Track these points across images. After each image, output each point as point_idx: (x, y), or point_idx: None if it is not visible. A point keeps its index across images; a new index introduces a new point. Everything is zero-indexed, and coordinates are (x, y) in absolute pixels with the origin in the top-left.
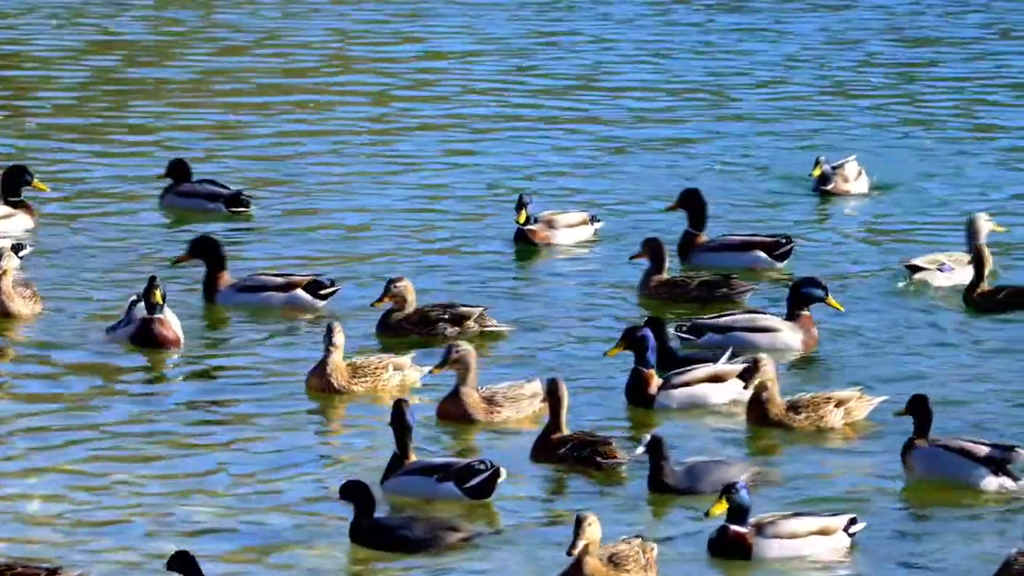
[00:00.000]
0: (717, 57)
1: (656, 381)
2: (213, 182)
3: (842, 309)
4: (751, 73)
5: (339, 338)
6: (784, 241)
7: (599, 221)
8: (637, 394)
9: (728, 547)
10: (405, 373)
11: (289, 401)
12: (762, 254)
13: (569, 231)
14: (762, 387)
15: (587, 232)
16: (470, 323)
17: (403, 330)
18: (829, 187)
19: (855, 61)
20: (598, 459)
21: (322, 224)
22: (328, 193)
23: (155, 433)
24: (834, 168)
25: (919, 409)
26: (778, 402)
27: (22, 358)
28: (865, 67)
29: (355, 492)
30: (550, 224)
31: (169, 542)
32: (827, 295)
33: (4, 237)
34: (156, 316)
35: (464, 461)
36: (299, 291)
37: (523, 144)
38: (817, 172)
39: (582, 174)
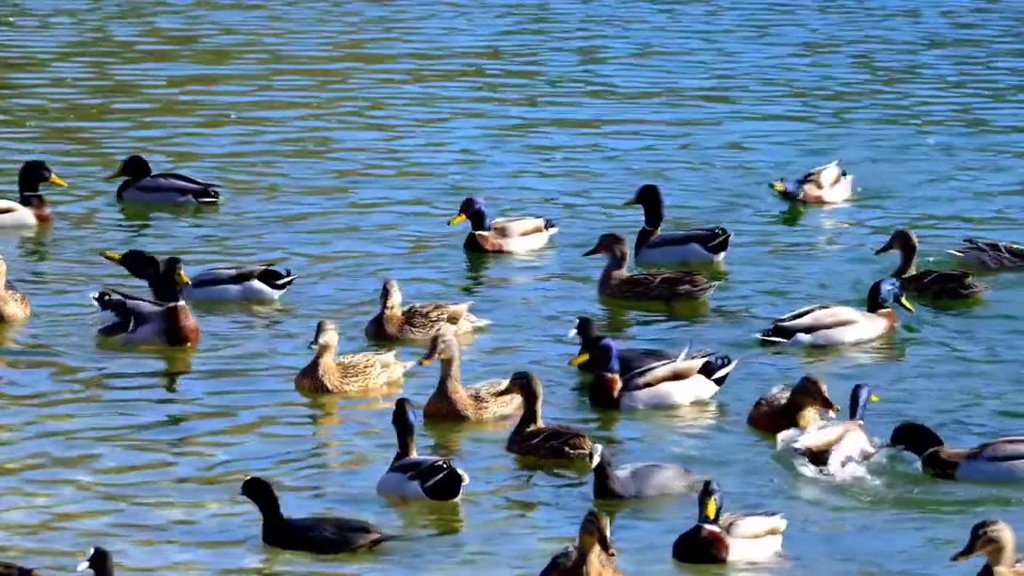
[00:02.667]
0: (712, 57)
1: (619, 383)
2: (180, 176)
3: (913, 311)
4: (747, 75)
5: (331, 337)
6: (719, 233)
7: (554, 227)
8: (601, 397)
9: (702, 548)
10: (391, 370)
11: (283, 401)
12: (698, 247)
13: (522, 239)
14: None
15: (542, 239)
16: (462, 320)
17: (401, 335)
18: (800, 196)
19: (853, 62)
20: (567, 449)
21: (289, 218)
22: (296, 190)
23: (151, 433)
24: (808, 176)
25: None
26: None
27: (20, 361)
28: (863, 68)
29: (255, 490)
30: (503, 232)
31: (159, 542)
32: (903, 295)
33: None
34: (179, 305)
35: (432, 460)
36: (254, 281)
37: (509, 144)
38: (780, 187)
39: (564, 174)
